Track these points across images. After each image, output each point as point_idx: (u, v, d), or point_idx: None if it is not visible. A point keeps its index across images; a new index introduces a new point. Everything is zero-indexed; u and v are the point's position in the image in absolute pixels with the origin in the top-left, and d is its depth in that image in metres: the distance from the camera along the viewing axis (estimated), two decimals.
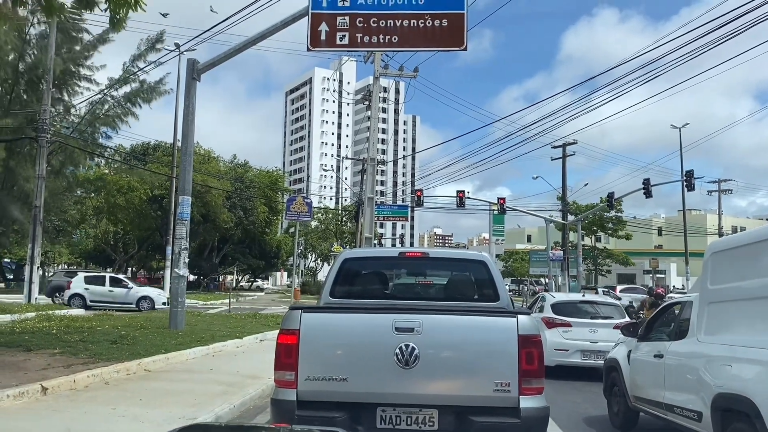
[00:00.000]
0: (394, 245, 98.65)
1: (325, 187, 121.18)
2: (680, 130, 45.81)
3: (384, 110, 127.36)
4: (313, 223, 59.62)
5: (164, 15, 21.07)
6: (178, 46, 31.82)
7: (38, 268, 22.14)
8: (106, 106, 26.05)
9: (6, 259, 47.63)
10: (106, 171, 41.76)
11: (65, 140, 25.22)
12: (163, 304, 24.54)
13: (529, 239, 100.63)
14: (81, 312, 19.32)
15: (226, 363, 10.59)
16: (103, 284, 26.08)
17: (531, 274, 51.99)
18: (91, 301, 25.01)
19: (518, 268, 69.90)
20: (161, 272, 41.36)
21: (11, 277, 46.08)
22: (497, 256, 51.01)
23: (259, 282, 69.55)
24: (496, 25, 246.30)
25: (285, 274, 74.29)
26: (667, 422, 6.25)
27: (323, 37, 13.35)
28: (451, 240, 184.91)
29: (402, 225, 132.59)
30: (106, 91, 25.87)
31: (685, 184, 35.96)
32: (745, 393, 4.65)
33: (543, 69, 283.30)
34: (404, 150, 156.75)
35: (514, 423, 4.26)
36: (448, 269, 6.48)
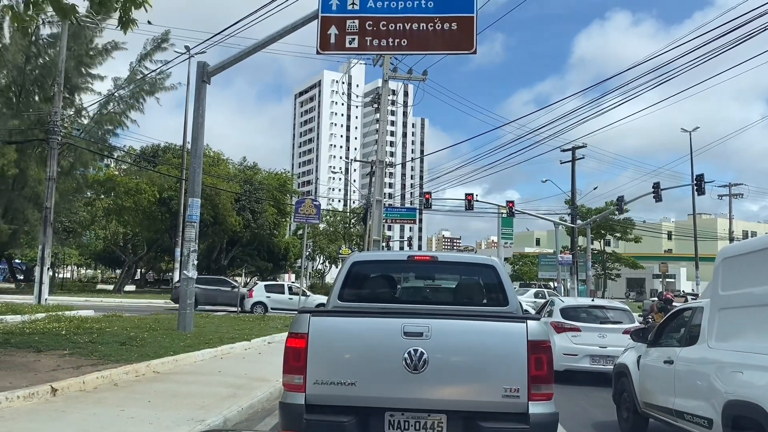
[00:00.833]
0: (402, 248, 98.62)
1: (333, 190, 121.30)
2: (690, 134, 45.64)
3: (393, 113, 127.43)
4: (322, 226, 59.67)
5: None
6: (188, 49, 31.99)
7: (48, 269, 22.26)
8: (112, 105, 26.19)
9: (16, 260, 47.99)
10: (116, 173, 42.00)
11: (75, 142, 25.37)
12: None
13: (537, 242, 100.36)
14: (90, 313, 19.40)
15: (235, 365, 10.61)
16: (283, 292, 28.04)
17: (540, 278, 51.80)
18: (272, 308, 26.71)
19: (527, 271, 69.68)
20: (170, 274, 41.54)
21: (21, 277, 46.41)
22: (506, 259, 50.86)
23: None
24: (508, 29, 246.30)
25: (293, 276, 74.45)
26: (677, 429, 6.21)
27: (333, 40, 13.39)
28: (459, 243, 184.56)
29: (410, 227, 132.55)
30: (114, 91, 26.02)
31: (695, 188, 35.76)
32: (756, 400, 4.61)
33: (554, 72, 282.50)
34: (413, 153, 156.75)
35: (523, 429, 4.24)
36: (457, 273, 6.47)
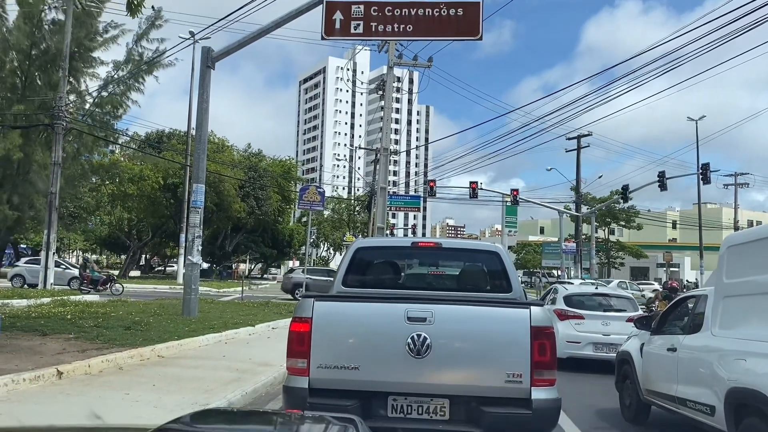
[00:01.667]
0: (406, 235, 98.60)
1: (337, 177, 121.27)
2: (697, 123, 45.35)
3: (398, 100, 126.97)
4: (326, 213, 59.74)
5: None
6: (192, 34, 31.92)
7: (53, 254, 22.36)
8: (112, 86, 26.06)
9: (22, 245, 48.20)
10: (121, 158, 42.04)
11: (80, 127, 25.36)
12: None
13: (542, 231, 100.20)
14: (95, 298, 19.51)
15: (239, 350, 10.67)
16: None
17: (543, 266, 51.80)
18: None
19: (530, 259, 69.64)
20: (174, 260, 41.69)
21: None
22: (510, 247, 50.90)
23: (273, 271, 69.86)
24: (516, 15, 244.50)
25: (297, 263, 74.63)
26: (680, 416, 6.22)
27: (338, 25, 13.32)
28: (463, 231, 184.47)
29: (414, 215, 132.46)
30: (114, 72, 25.85)
31: (700, 177, 35.61)
32: (759, 387, 4.61)
33: (562, 60, 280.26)
34: (417, 140, 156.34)
35: (526, 414, 4.26)
36: (461, 260, 6.47)
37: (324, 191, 24.53)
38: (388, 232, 38.06)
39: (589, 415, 7.67)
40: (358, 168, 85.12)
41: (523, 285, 6.46)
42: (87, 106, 26.29)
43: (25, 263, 29.86)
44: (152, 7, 16.00)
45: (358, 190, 74.32)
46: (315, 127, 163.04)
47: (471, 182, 36.98)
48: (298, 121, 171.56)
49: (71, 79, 24.46)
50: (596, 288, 13.93)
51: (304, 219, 52.25)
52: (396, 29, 13.29)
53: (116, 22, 25.66)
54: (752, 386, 4.71)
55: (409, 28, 13.24)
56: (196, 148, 15.08)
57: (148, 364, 8.83)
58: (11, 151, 23.27)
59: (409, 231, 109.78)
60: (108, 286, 25.58)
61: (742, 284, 5.37)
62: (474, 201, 38.69)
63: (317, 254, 69.31)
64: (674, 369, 6.29)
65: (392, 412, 4.37)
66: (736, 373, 5.00)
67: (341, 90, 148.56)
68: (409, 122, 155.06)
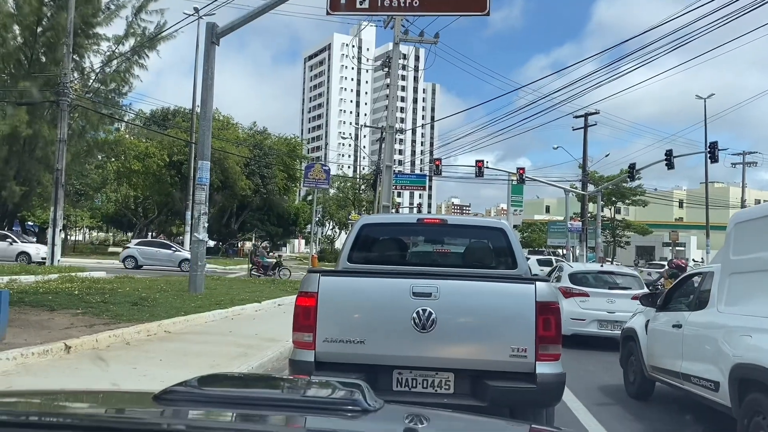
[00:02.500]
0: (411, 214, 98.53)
1: (343, 156, 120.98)
2: (705, 101, 44.95)
3: (403, 78, 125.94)
4: (332, 191, 59.71)
5: None
6: (197, 10, 31.63)
7: (60, 230, 22.47)
8: (116, 62, 25.93)
9: (29, 222, 48.44)
10: (126, 135, 42.03)
11: (84, 103, 25.31)
12: None
13: (547, 210, 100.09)
14: (102, 275, 19.64)
15: (245, 326, 10.74)
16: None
17: (549, 245, 51.76)
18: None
19: (536, 238, 69.66)
20: (180, 237, 41.90)
21: (34, 239, 46.92)
22: (515, 226, 50.71)
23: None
24: None
25: (303, 241, 74.83)
26: (684, 392, 6.25)
27: (343, 0, 13.17)
28: (468, 210, 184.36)
29: (420, 194, 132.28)
30: (115, 47, 25.69)
31: (708, 155, 35.33)
32: (764, 363, 4.62)
33: (573, 38, 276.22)
34: (423, 119, 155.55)
35: (530, 388, 4.28)
36: (467, 236, 6.46)
37: (329, 169, 24.52)
38: (393, 210, 38.05)
39: (594, 391, 7.71)
40: (364, 146, 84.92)
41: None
42: (91, 82, 26.19)
43: (136, 245, 31.01)
44: None
45: (363, 168, 74.17)
46: (320, 105, 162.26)
47: (477, 161, 36.78)
48: (303, 99, 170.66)
49: (75, 56, 24.36)
50: (602, 266, 13.92)
51: (310, 198, 52.33)
52: (402, 4, 13.14)
53: (123, 3, 25.50)
54: (757, 362, 4.72)
55: (416, 3, 13.08)
56: (201, 125, 15.04)
57: (154, 340, 8.91)
58: (18, 127, 23.30)
59: (415, 209, 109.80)
60: (276, 271, 25.97)
61: (749, 261, 5.35)
62: (480, 180, 38.55)
63: (323, 233, 69.47)
64: (679, 345, 6.30)
65: (397, 386, 4.40)
66: (741, 349, 5.00)
67: (346, 67, 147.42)
68: (415, 100, 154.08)
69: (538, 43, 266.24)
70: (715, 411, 5.62)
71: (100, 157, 36.21)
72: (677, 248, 58.15)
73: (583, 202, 42.96)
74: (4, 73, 25.34)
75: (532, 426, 1.84)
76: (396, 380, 4.40)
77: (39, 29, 24.80)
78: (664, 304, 7.17)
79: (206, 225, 14.69)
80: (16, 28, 24.63)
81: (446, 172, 45.31)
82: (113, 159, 40.18)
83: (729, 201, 64.99)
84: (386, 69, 28.37)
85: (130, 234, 50.29)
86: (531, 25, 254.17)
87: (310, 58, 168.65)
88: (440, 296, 4.37)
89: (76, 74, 24.91)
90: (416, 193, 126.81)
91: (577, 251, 41.21)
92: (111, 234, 71.87)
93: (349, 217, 54.07)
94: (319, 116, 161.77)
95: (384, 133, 30.32)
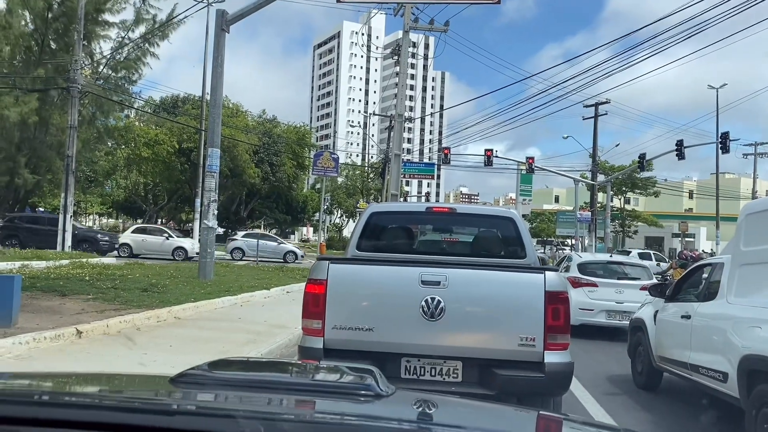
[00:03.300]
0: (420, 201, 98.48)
1: (351, 144, 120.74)
2: (717, 91, 44.50)
3: (413, 66, 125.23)
4: (340, 179, 59.71)
5: None
6: None
7: (71, 217, 22.63)
8: (126, 50, 25.90)
9: (40, 209, 48.79)
10: (136, 122, 42.15)
11: (95, 90, 25.37)
12: None
13: (556, 200, 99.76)
14: (112, 261, 19.79)
15: (254, 313, 10.81)
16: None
17: (558, 235, 51.61)
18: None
19: (545, 228, 69.48)
20: (190, 224, 42.09)
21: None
22: (524, 216, 50.58)
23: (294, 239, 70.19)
24: None
25: (311, 229, 74.96)
26: (692, 383, 6.25)
27: None
28: (477, 199, 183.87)
29: (428, 183, 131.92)
30: (125, 34, 25.66)
31: (719, 146, 35.05)
32: None
33: (586, 26, 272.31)
34: (432, 107, 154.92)
35: (539, 377, 4.29)
36: (476, 225, 6.46)
37: (338, 157, 24.48)
38: (402, 199, 38.04)
39: (601, 382, 7.72)
40: (372, 135, 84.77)
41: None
42: (101, 68, 26.23)
43: (242, 237, 31.59)
44: None
45: (371, 156, 74.09)
46: (329, 93, 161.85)
47: (486, 150, 36.67)
48: (312, 87, 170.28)
49: (85, 43, 24.40)
50: (611, 256, 13.88)
51: (318, 186, 52.35)
52: None
53: None
54: (766, 353, 4.71)
55: None
56: (210, 112, 15.07)
57: (164, 326, 8.98)
58: (28, 114, 23.40)
59: (423, 198, 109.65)
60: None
61: (760, 252, 5.32)
62: (489, 169, 38.42)
63: (331, 221, 69.56)
64: (688, 336, 6.29)
65: (405, 374, 4.42)
66: (751, 340, 4.99)
67: (356, 55, 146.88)
68: (425, 89, 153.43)
69: (551, 32, 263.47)
70: (723, 402, 5.62)
71: (110, 143, 36.35)
72: (687, 239, 57.79)
73: (593, 191, 42.77)
74: (15, 60, 25.43)
75: (540, 412, 1.86)
76: (404, 368, 4.43)
77: (50, 15, 24.82)
78: (673, 294, 7.15)
79: (216, 212, 14.75)
80: (27, 15, 24.69)
81: (455, 161, 45.24)
82: (123, 146, 40.31)
83: (740, 192, 64.46)
84: (396, 57, 28.25)
85: (140, 221, 50.51)
86: (544, 13, 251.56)
87: (320, 46, 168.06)
88: (449, 285, 4.38)
89: (86, 61, 24.95)
90: (425, 182, 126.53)
91: (586, 241, 41.09)
92: (121, 221, 72.23)
93: (358, 205, 54.12)
94: (328, 104, 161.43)
95: (393, 122, 30.26)
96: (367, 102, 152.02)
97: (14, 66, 25.47)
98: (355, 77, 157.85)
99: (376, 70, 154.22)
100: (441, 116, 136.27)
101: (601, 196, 44.49)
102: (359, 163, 75.93)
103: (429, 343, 4.38)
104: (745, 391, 5.01)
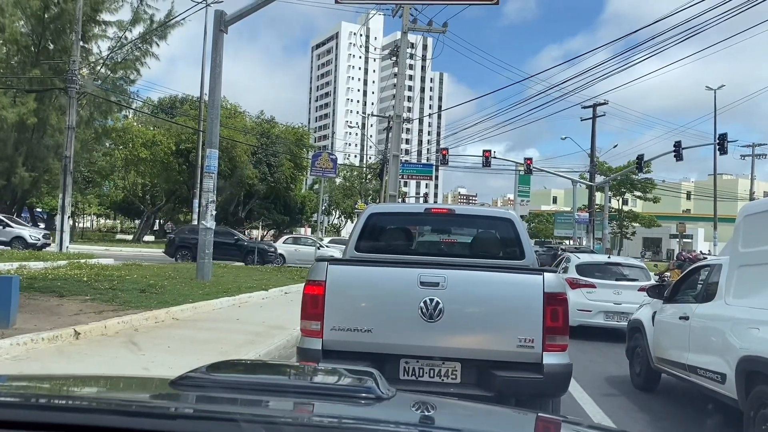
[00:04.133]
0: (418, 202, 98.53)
1: (349, 145, 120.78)
2: (715, 92, 44.63)
3: (411, 67, 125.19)
4: (338, 180, 59.74)
5: None
6: None
7: (69, 217, 22.60)
8: (125, 50, 25.83)
9: (38, 209, 48.74)
10: (134, 123, 42.12)
11: (93, 91, 25.35)
12: None
13: (554, 201, 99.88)
14: (110, 262, 19.76)
15: (252, 313, 10.80)
16: None
17: (556, 236, 51.68)
18: None
19: (543, 229, 69.58)
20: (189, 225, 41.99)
21: (43, 226, 47.27)
22: (522, 217, 50.67)
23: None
24: None
25: (309, 230, 74.99)
26: (690, 384, 6.25)
27: None
28: (475, 200, 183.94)
29: (426, 184, 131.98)
30: (122, 35, 25.59)
31: (717, 147, 35.11)
32: None
33: (586, 28, 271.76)
34: (431, 108, 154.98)
35: (537, 378, 4.29)
36: (474, 226, 6.47)
37: (336, 158, 24.48)
38: (400, 200, 38.04)
39: (600, 383, 7.73)
40: (370, 135, 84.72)
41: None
42: (99, 68, 26.19)
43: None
44: None
45: (370, 157, 74.15)
46: (327, 94, 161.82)
47: (484, 151, 36.73)
48: (311, 88, 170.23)
49: (83, 43, 24.38)
50: (609, 257, 13.89)
51: (316, 186, 52.35)
52: None
53: None
54: (765, 354, 4.71)
55: None
56: (209, 113, 15.06)
57: (163, 326, 8.97)
58: (26, 115, 23.38)
59: (421, 199, 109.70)
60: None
61: (758, 253, 5.33)
62: (487, 170, 38.49)
63: (329, 222, 69.58)
64: (686, 337, 6.30)
65: (404, 375, 4.42)
66: (749, 341, 5.00)
67: (354, 56, 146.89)
68: (423, 90, 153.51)
69: (551, 34, 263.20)
70: (721, 403, 5.62)
71: (108, 144, 36.32)
72: (684, 240, 57.94)
73: (591, 192, 42.83)
74: (12, 60, 25.40)
75: (539, 414, 1.86)
76: (403, 369, 4.43)
77: (46, 16, 24.78)
78: (671, 296, 7.16)
79: (214, 213, 14.74)
80: (22, 15, 24.64)
81: (453, 162, 45.15)
82: (121, 146, 40.28)
83: (738, 193, 64.60)
84: (394, 58, 28.30)
85: (137, 221, 50.48)
86: (544, 14, 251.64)
87: (318, 46, 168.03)
88: (448, 286, 4.38)
89: (84, 61, 24.91)
90: (423, 183, 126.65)
91: (584, 242, 41.14)
92: (119, 221, 72.21)
93: (356, 206, 54.15)
94: (326, 105, 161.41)
95: (391, 122, 30.26)
96: (366, 103, 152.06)
97: (11, 67, 25.44)
98: (353, 78, 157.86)
99: (374, 71, 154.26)
100: (439, 117, 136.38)
101: (599, 197, 44.55)
102: (357, 163, 75.98)
103: (428, 345, 4.38)
104: (743, 393, 5.02)
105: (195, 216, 31.59)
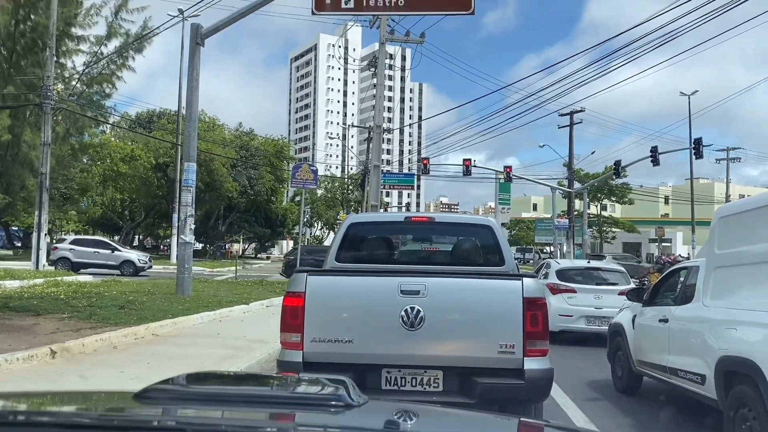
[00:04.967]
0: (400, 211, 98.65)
1: (330, 156, 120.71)
2: (689, 98, 45.35)
3: (390, 78, 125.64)
4: (319, 191, 59.61)
5: None
6: (181, 12, 31.52)
7: (45, 235, 22.25)
8: (101, 64, 25.52)
9: (14, 227, 47.95)
10: (112, 138, 41.73)
11: (69, 106, 25.05)
12: None
13: (534, 208, 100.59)
14: (88, 278, 19.47)
15: (233, 328, 10.69)
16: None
17: (536, 243, 51.99)
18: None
19: (524, 236, 69.98)
20: (168, 240, 41.64)
21: (19, 244, 46.49)
22: (503, 224, 50.93)
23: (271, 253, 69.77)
24: None
25: (291, 242, 74.67)
26: (671, 386, 6.29)
27: (328, 0, 13.14)
28: (457, 208, 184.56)
29: (408, 193, 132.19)
30: (97, 49, 25.25)
31: (693, 152, 35.65)
32: (749, 355, 4.66)
33: (564, 37, 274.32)
34: (411, 118, 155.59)
35: (519, 384, 4.29)
36: (454, 234, 6.48)
37: (317, 169, 24.39)
38: (382, 210, 38.03)
39: (582, 387, 7.75)
40: (351, 146, 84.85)
41: (516, 262, 6.50)
42: (75, 83, 25.87)
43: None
44: None
45: (351, 168, 74.18)
46: (307, 106, 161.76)
47: (464, 160, 36.97)
48: (290, 100, 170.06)
49: (57, 58, 24.08)
50: (588, 262, 13.99)
51: (298, 198, 52.18)
52: (387, 4, 13.13)
53: (105, 1, 25.17)
54: (742, 354, 4.76)
55: (401, 2, 13.07)
56: (186, 127, 14.96)
57: (142, 343, 8.84)
58: (0, 132, 23.03)
59: (403, 209, 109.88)
60: None
61: (734, 255, 5.40)
62: (468, 178, 38.71)
63: (311, 233, 69.34)
64: (666, 340, 6.35)
65: (386, 385, 4.39)
66: (727, 342, 5.05)
67: (333, 68, 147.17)
68: (403, 100, 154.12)
69: (529, 44, 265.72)
70: (702, 404, 5.66)
71: (85, 160, 35.88)
72: (664, 244, 58.52)
73: (570, 199, 43.19)
74: None
75: (522, 419, 1.85)
76: (385, 379, 4.40)
77: (17, 31, 24.41)
78: (651, 299, 7.22)
79: (193, 227, 14.61)
80: None
81: (435, 171, 45.40)
82: (98, 162, 39.85)
83: (714, 196, 65.57)
84: (373, 69, 28.37)
85: (116, 237, 49.90)
86: (523, 24, 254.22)
87: (297, 58, 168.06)
88: (428, 294, 4.37)
89: (59, 77, 24.61)
90: (405, 193, 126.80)
91: (565, 248, 41.45)
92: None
93: (338, 217, 54.02)
94: (307, 116, 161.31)
95: (371, 133, 30.33)
96: (346, 114, 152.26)
97: None
98: (332, 89, 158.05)
99: (353, 81, 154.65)
100: (420, 127, 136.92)
101: (578, 203, 44.95)
102: (339, 174, 75.95)
103: (409, 353, 4.37)
104: (722, 393, 5.06)
105: (174, 231, 31.27)
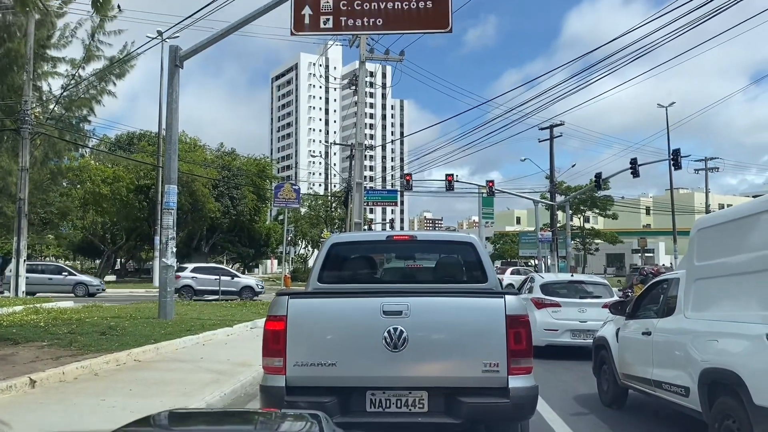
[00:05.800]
0: (384, 230, 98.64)
1: (313, 174, 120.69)
2: (666, 109, 46.07)
3: (371, 95, 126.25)
4: (303, 210, 59.45)
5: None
6: (160, 33, 31.50)
7: (24, 261, 21.93)
8: (80, 88, 25.29)
9: None
10: (92, 161, 41.36)
11: (47, 130, 24.80)
12: None
13: (518, 221, 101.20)
14: (69, 304, 19.18)
15: (217, 351, 10.56)
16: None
17: (521, 256, 52.20)
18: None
19: (508, 250, 70.25)
20: (150, 263, 41.21)
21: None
22: (487, 238, 51.12)
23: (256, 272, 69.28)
24: (499, 9, 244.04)
25: (275, 261, 74.23)
26: (656, 398, 6.30)
27: (307, 20, 13.23)
28: (441, 224, 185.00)
29: (392, 210, 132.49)
30: (74, 72, 25.04)
31: (672, 162, 36.13)
32: (731, 367, 4.68)
33: (544, 52, 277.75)
34: (392, 134, 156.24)
35: (504, 403, 4.27)
36: (437, 251, 6.48)
37: (299, 188, 24.44)
38: (366, 227, 37.99)
39: (568, 401, 7.74)
40: (334, 164, 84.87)
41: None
42: (53, 107, 25.62)
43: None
44: (118, 6, 15.62)
45: (334, 186, 74.18)
46: (289, 125, 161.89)
47: (447, 175, 37.16)
48: (272, 119, 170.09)
49: (36, 83, 23.87)
50: (572, 276, 14.06)
51: (281, 217, 52.00)
52: (366, 23, 13.24)
53: (80, 22, 25.04)
54: (725, 366, 4.78)
55: (379, 21, 13.19)
56: (167, 148, 14.89)
57: (124, 369, 8.70)
58: None
59: (387, 225, 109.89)
60: None
61: (713, 266, 5.45)
62: (451, 193, 38.89)
63: (296, 252, 69.02)
64: (649, 352, 6.37)
65: (371, 407, 4.35)
66: (709, 354, 5.07)
67: (314, 86, 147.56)
68: (384, 117, 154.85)
69: (510, 59, 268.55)
70: (687, 416, 5.68)
71: (64, 184, 35.48)
72: (646, 254, 59.11)
73: (552, 212, 43.51)
74: None
75: None
76: (369, 401, 4.36)
77: None
78: (633, 311, 7.24)
79: (174, 250, 14.48)
80: None
81: (418, 187, 45.62)
82: (78, 185, 39.43)
83: (694, 206, 66.43)
84: (353, 87, 28.50)
85: (98, 261, 49.32)
86: (503, 40, 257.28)
87: (278, 77, 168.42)
88: (411, 314, 4.35)
89: (36, 101, 24.36)
90: (388, 209, 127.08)
91: (549, 261, 41.66)
92: (78, 262, 70.38)
93: (322, 235, 53.90)
94: (289, 135, 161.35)
95: (353, 151, 30.38)
96: (328, 132, 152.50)
97: None
98: (314, 108, 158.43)
99: (335, 100, 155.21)
100: (402, 143, 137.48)
101: (561, 216, 45.27)
102: (322, 192, 75.86)
103: (393, 375, 4.33)
104: (706, 405, 5.08)
105: (156, 253, 30.95)
